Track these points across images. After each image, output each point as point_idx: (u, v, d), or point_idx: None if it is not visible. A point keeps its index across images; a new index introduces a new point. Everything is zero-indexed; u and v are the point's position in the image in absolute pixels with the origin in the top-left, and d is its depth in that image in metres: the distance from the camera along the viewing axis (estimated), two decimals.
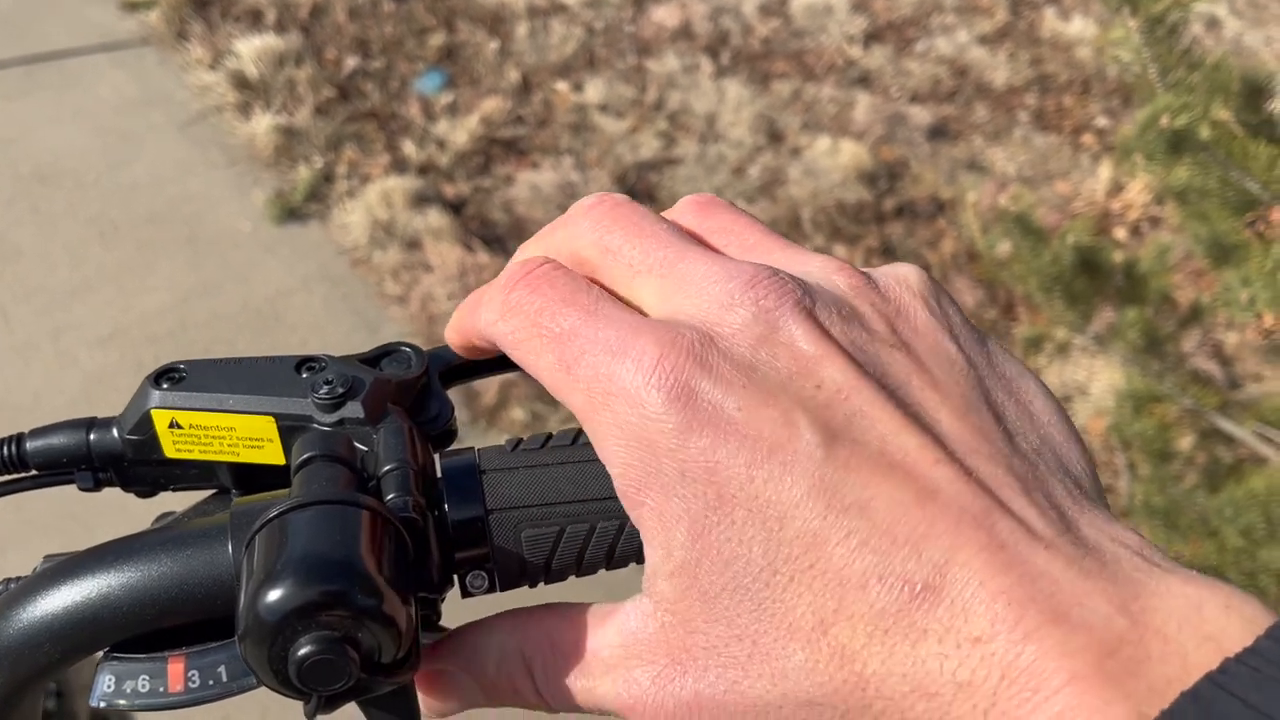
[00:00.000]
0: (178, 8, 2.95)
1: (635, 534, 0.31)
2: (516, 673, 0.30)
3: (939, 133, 2.94)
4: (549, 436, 0.32)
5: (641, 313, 0.29)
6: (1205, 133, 0.98)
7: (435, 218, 2.43)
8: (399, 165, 2.60)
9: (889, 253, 2.54)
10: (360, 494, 0.29)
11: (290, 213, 2.46)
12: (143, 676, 0.30)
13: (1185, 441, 1.47)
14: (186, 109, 2.72)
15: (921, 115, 2.97)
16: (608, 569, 0.32)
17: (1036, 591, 0.23)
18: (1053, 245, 1.43)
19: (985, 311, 2.42)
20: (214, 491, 0.36)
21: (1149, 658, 0.22)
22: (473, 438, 1.98)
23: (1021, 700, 0.22)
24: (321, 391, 0.33)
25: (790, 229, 2.55)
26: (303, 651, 0.26)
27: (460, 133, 2.70)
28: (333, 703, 0.27)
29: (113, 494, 0.37)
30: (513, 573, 0.31)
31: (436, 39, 3.02)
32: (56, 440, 0.35)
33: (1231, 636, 0.22)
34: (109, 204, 2.44)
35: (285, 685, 0.27)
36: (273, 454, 0.34)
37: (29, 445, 0.35)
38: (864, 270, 0.30)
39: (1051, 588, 0.23)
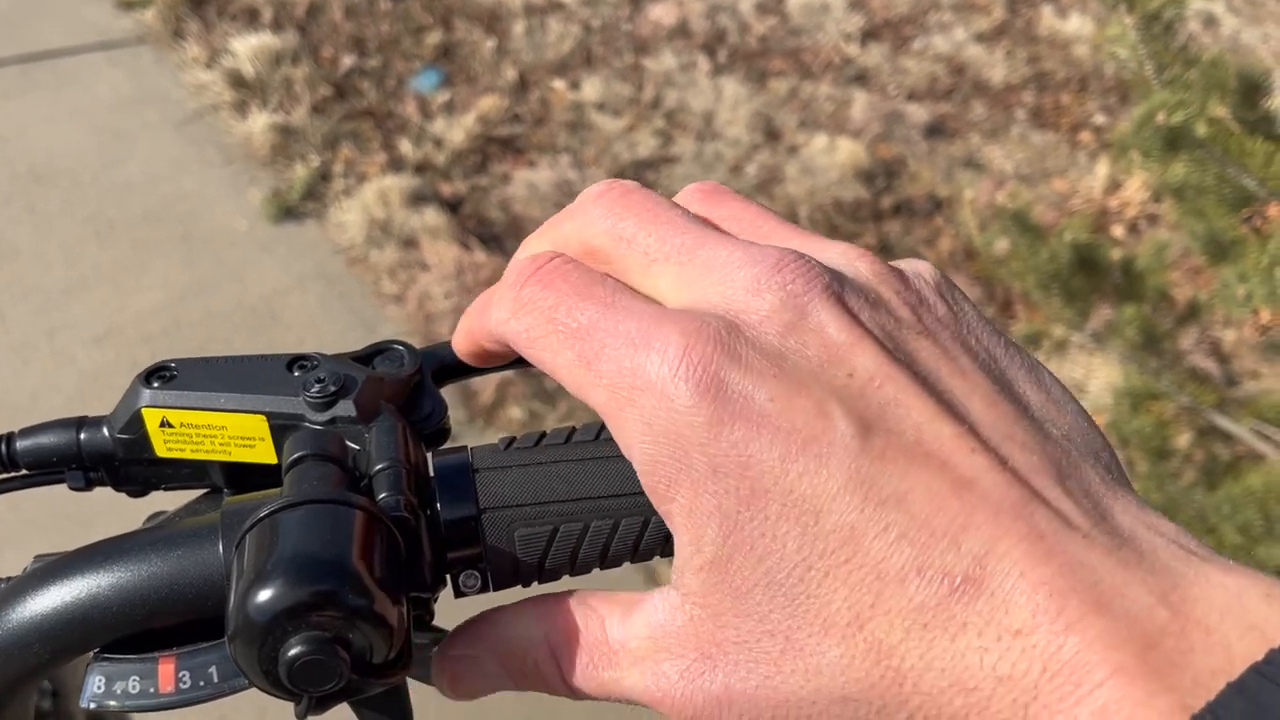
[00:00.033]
0: (174, 6, 2.94)
1: (629, 532, 0.31)
2: (542, 660, 0.29)
3: (936, 130, 2.94)
4: (542, 435, 0.32)
5: (660, 304, 0.28)
6: (1202, 129, 0.98)
7: (432, 216, 2.43)
8: (396, 164, 2.60)
9: (886, 251, 2.54)
10: (352, 493, 0.29)
11: (286, 211, 2.45)
12: (133, 677, 0.30)
13: (1183, 439, 1.47)
14: (182, 108, 2.71)
15: (919, 113, 2.97)
16: (601, 568, 0.32)
17: (1077, 582, 0.22)
18: (1050, 243, 1.43)
19: (983, 309, 2.41)
20: (206, 491, 0.36)
21: (1192, 649, 0.22)
22: (470, 436, 1.98)
23: (1064, 694, 0.22)
24: (313, 390, 0.32)
25: None
26: (293, 652, 0.26)
27: (457, 131, 2.69)
28: (324, 703, 0.27)
29: (110, 493, 0.37)
30: (506, 572, 0.31)
31: (433, 37, 3.01)
32: (46, 439, 0.35)
33: (1275, 626, 0.22)
34: (105, 203, 2.43)
35: (275, 686, 0.27)
36: (264, 453, 0.33)
37: (19, 445, 0.35)
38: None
39: (1092, 578, 0.23)
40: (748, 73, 3.04)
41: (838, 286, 0.27)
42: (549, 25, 3.11)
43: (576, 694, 0.29)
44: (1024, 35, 3.33)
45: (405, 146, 2.65)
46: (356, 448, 0.32)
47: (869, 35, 3.25)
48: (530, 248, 0.32)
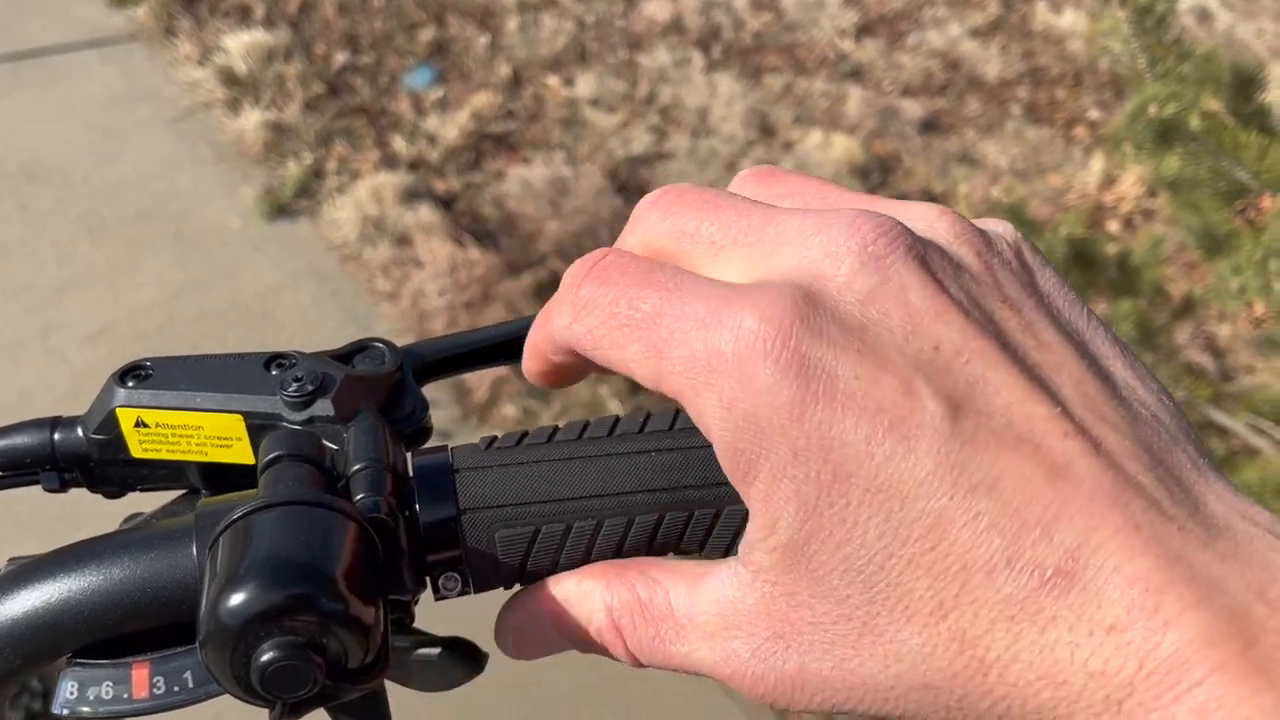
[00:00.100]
0: (165, 3, 2.93)
1: (613, 533, 0.30)
2: (604, 629, 0.29)
3: (931, 126, 2.93)
4: (524, 434, 0.31)
5: (726, 283, 0.27)
6: (1195, 122, 0.98)
7: (426, 214, 2.42)
8: (389, 161, 2.59)
9: None
10: (328, 494, 0.28)
11: (279, 209, 2.44)
12: (106, 683, 0.30)
13: None
14: (175, 105, 2.70)
15: (913, 108, 2.96)
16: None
17: (1174, 576, 0.22)
18: (1045, 238, 1.42)
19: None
20: (184, 492, 0.36)
21: None
22: (465, 435, 1.97)
23: (1161, 691, 0.21)
24: (291, 389, 0.32)
25: None
26: (265, 658, 0.25)
27: (450, 128, 2.69)
28: (298, 710, 0.27)
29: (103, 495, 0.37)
30: (487, 574, 0.30)
31: (426, 34, 3.00)
32: (19, 440, 0.34)
33: None
34: (97, 201, 2.42)
35: (248, 692, 0.26)
36: (242, 453, 0.33)
37: None
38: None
39: (1189, 573, 0.22)
40: (742, 68, 3.03)
41: (920, 248, 0.25)
42: (543, 21, 3.10)
43: (638, 663, 0.29)
44: (1019, 30, 3.33)
45: (398, 143, 2.64)
46: (335, 448, 0.31)
47: (863, 31, 3.25)
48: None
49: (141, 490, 0.35)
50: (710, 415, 0.25)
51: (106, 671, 0.30)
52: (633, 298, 0.27)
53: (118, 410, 0.32)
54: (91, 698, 0.29)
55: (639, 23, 3.15)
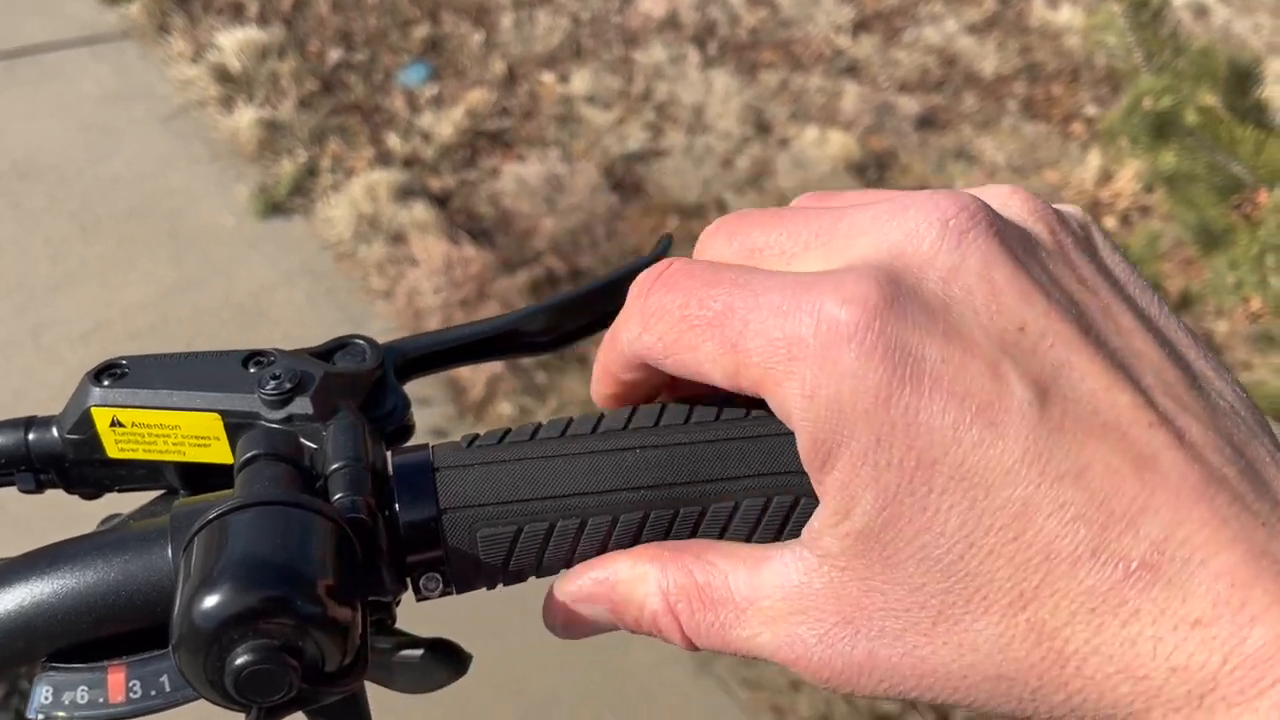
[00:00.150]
0: (159, 1, 2.91)
1: (597, 531, 0.29)
2: (659, 613, 0.28)
3: (927, 122, 2.93)
4: (506, 431, 0.31)
5: (800, 272, 0.26)
6: (1191, 117, 0.97)
7: (420, 211, 2.41)
8: (383, 158, 2.58)
9: None
10: (305, 494, 0.28)
11: (274, 207, 2.43)
12: (81, 687, 0.29)
13: None
14: (168, 103, 2.69)
15: (910, 105, 2.96)
16: (569, 569, 0.31)
17: (1260, 571, 0.22)
18: None
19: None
20: (163, 492, 0.35)
21: None
22: (459, 433, 1.97)
23: (1245, 686, 0.21)
24: (268, 387, 0.31)
25: None
26: (239, 661, 0.25)
27: (445, 125, 2.68)
28: (274, 713, 0.26)
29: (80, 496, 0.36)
30: (468, 574, 0.30)
31: (420, 30, 2.99)
32: None
33: None
34: (90, 199, 2.41)
35: (222, 697, 0.26)
36: (220, 452, 0.32)
37: None
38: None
39: (1275, 568, 0.22)
40: (738, 65, 3.03)
41: (1000, 224, 0.25)
42: (537, 18, 3.09)
43: (693, 647, 0.28)
44: (1015, 26, 3.32)
45: (393, 141, 2.63)
46: (313, 446, 0.31)
47: (860, 27, 3.24)
48: None
49: (120, 491, 0.35)
50: (792, 404, 0.24)
51: (82, 676, 0.29)
52: (703, 298, 0.26)
53: (93, 410, 0.32)
54: (67, 702, 0.29)
55: (634, 19, 3.14)
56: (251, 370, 0.32)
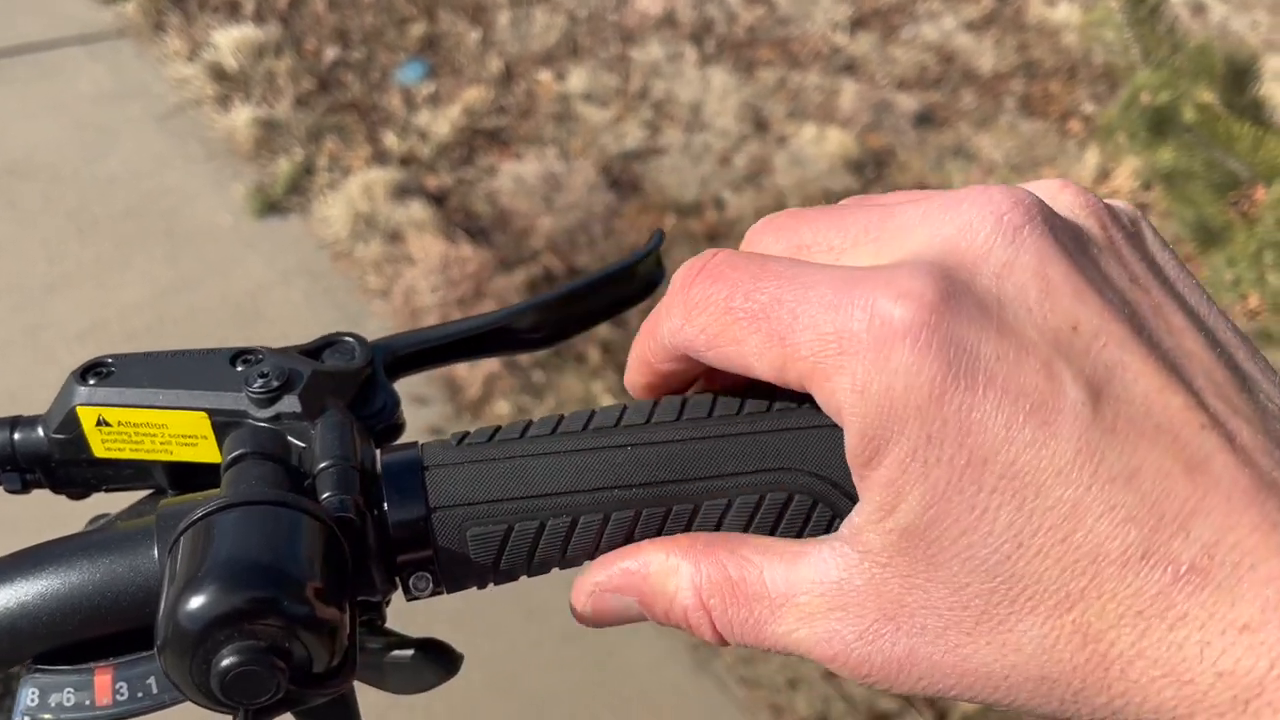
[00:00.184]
0: None
1: (588, 530, 0.29)
2: (690, 608, 0.28)
3: (925, 120, 2.92)
4: (497, 429, 0.31)
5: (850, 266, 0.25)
6: (1189, 114, 0.97)
7: (417, 210, 2.41)
8: (380, 157, 2.58)
9: None
10: (292, 493, 0.27)
11: (270, 206, 2.43)
12: (68, 690, 0.29)
13: None
14: (164, 102, 2.69)
15: (908, 102, 2.96)
16: (560, 568, 0.30)
17: None
18: None
19: None
20: (151, 492, 0.35)
21: None
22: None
23: None
24: (256, 385, 0.31)
25: None
26: (225, 663, 0.24)
27: (442, 123, 2.67)
28: (262, 715, 0.26)
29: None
30: (459, 574, 0.29)
31: (417, 28, 2.99)
32: None
33: None
34: (86, 198, 2.41)
35: (209, 698, 0.25)
36: (208, 451, 0.32)
37: None
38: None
39: None
40: (736, 63, 3.02)
41: (1054, 220, 0.25)
42: (534, 15, 3.08)
43: (724, 642, 0.28)
44: (1013, 23, 3.32)
45: (390, 139, 2.63)
46: (301, 445, 0.30)
47: (857, 24, 3.24)
48: None
49: (107, 491, 0.34)
50: (841, 399, 0.24)
51: (68, 678, 0.29)
52: (749, 290, 0.25)
53: (78, 409, 0.32)
54: (53, 705, 0.29)
55: (631, 17, 3.14)
56: (239, 368, 0.32)
